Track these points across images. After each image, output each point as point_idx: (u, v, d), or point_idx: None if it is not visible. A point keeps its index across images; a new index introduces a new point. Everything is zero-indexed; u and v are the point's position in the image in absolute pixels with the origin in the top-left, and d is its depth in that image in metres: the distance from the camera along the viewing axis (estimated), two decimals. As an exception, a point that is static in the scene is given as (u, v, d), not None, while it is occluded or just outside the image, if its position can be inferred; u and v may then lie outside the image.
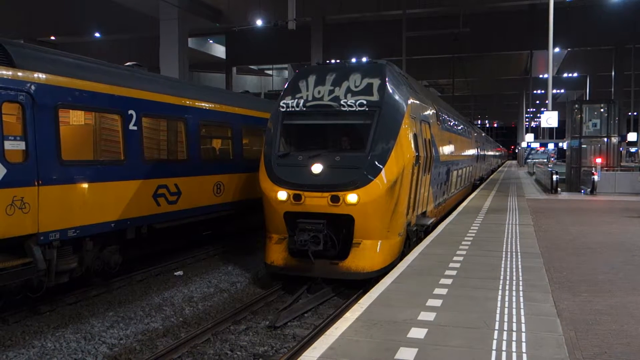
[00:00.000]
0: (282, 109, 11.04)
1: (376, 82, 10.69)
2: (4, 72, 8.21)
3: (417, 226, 12.26)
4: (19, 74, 8.43)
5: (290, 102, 10.99)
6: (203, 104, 13.38)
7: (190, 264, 13.18)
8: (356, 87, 10.70)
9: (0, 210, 7.99)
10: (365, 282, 10.02)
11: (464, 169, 22.46)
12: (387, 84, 10.70)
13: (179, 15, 31.48)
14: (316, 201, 9.96)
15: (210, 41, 52.52)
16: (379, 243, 10.18)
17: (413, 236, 11.90)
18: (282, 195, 10.15)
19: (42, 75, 8.82)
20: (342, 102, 10.61)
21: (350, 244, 10.16)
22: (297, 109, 10.91)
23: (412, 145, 10.92)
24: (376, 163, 10.01)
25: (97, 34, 41.57)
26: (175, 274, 12.19)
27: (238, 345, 8.01)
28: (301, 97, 10.97)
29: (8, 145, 8.20)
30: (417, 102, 12.42)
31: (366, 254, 10.04)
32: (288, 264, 10.41)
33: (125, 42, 46.30)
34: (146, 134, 11.27)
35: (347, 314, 6.76)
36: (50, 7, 39.24)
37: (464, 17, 36.88)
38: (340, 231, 10.27)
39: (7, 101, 8.24)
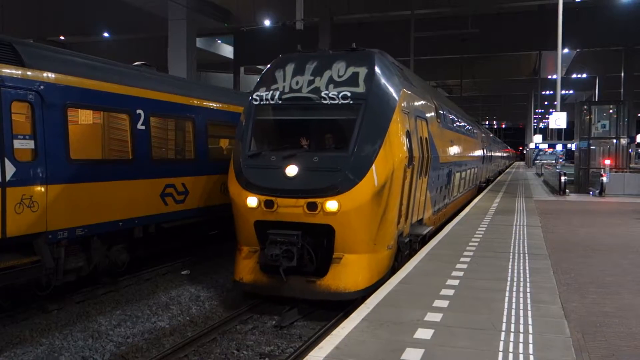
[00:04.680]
0: (254, 102, 9.78)
1: (363, 72, 9.41)
2: (14, 71, 8.26)
3: (412, 236, 10.95)
4: (29, 73, 8.48)
5: (264, 94, 9.70)
6: (211, 104, 13.41)
7: (197, 263, 13.21)
8: (340, 77, 9.44)
9: (9, 209, 8.04)
10: (348, 303, 8.93)
11: (468, 171, 21.20)
12: (376, 73, 9.43)
13: (188, 15, 31.54)
14: (290, 209, 8.72)
15: (219, 41, 52.59)
16: (363, 258, 8.86)
17: (405, 248, 10.46)
18: (252, 201, 8.93)
19: (51, 75, 8.87)
20: (322, 94, 9.32)
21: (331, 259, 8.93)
22: (272, 102, 9.62)
23: (405, 144, 9.73)
24: (360, 164, 8.74)
25: (105, 34, 41.72)
26: (182, 273, 12.23)
27: (244, 344, 8.02)
28: (277, 89, 9.66)
29: (17, 144, 8.25)
30: (413, 95, 11.12)
31: (348, 271, 8.74)
32: (258, 282, 9.15)
33: (133, 42, 46.43)
34: (154, 133, 11.31)
35: (353, 314, 6.76)
36: (60, 7, 39.41)
37: (473, 17, 36.76)
38: (320, 243, 9.01)
39: (17, 100, 8.29)
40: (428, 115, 12.50)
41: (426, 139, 11.80)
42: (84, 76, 9.55)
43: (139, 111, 10.80)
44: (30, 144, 8.48)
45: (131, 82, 10.72)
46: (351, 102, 9.18)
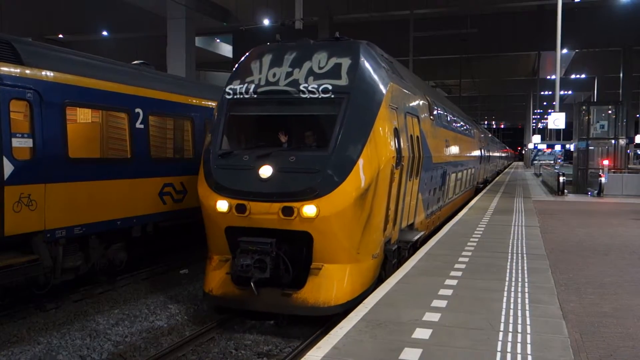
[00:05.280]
0: (227, 96, 9.02)
1: (346, 63, 8.62)
2: (12, 69, 8.25)
3: (401, 243, 10.15)
4: (27, 71, 8.47)
5: (237, 87, 8.91)
6: (210, 103, 13.39)
7: (195, 262, 13.19)
8: (320, 68, 8.63)
9: (8, 208, 8.03)
10: (327, 318, 8.16)
11: (465, 172, 20.39)
12: (361, 65, 8.66)
13: (187, 14, 31.52)
14: (264, 214, 7.97)
15: (218, 40, 52.57)
16: (345, 268, 8.12)
17: (393, 257, 9.65)
18: (222, 205, 8.19)
19: (49, 73, 8.86)
20: (301, 87, 8.53)
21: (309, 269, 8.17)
22: (246, 96, 8.83)
23: (392, 143, 8.97)
24: (342, 165, 7.99)
25: (104, 33, 41.71)
26: (180, 272, 12.21)
27: (242, 344, 8.01)
28: (252, 82, 8.87)
29: (15, 142, 8.24)
30: (402, 90, 10.27)
31: (328, 283, 7.98)
32: (229, 294, 8.34)
33: (132, 41, 46.40)
34: (153, 132, 11.30)
35: (352, 314, 6.76)
36: (59, 6, 39.40)
37: (472, 17, 36.80)
38: (298, 251, 8.26)
39: (15, 98, 8.28)
40: (420, 112, 11.73)
41: (417, 137, 11.04)
42: (82, 75, 9.54)
43: (137, 110, 10.78)
44: (28, 143, 8.47)
45: (130, 81, 10.71)
46: (332, 96, 8.43)
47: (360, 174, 8.03)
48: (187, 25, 31.94)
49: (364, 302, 7.32)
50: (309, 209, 7.80)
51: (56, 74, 8.98)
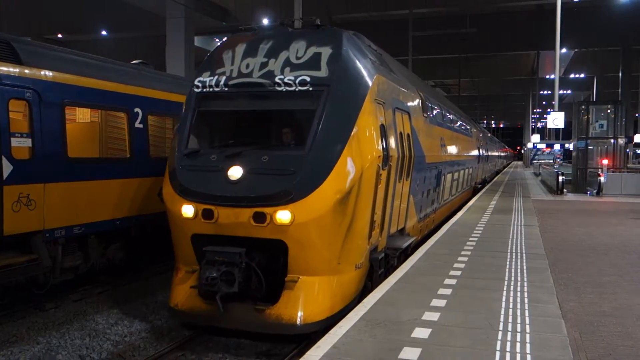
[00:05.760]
0: (196, 90, 8.26)
1: (326, 52, 7.83)
2: (11, 69, 8.24)
3: (389, 250, 9.38)
4: (26, 71, 8.47)
5: (207, 79, 8.15)
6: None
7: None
8: (298, 58, 7.86)
9: (7, 207, 8.03)
10: (305, 336, 7.48)
11: (462, 172, 19.70)
12: (343, 54, 7.86)
13: (186, 14, 31.51)
14: (233, 220, 7.20)
15: (217, 40, 52.53)
16: (324, 281, 7.35)
17: (380, 266, 8.86)
18: (188, 210, 7.42)
19: (48, 73, 8.85)
20: (276, 79, 7.76)
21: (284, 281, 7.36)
22: (216, 90, 8.08)
23: (378, 140, 8.14)
24: (320, 165, 7.22)
25: (104, 32, 41.73)
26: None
27: (242, 343, 8.01)
28: (223, 73, 8.10)
29: (15, 142, 8.23)
30: (391, 83, 9.44)
31: (305, 298, 7.19)
32: (195, 310, 7.51)
33: (131, 40, 46.40)
34: (152, 131, 11.30)
35: (351, 314, 6.75)
36: (58, 5, 39.40)
37: (471, 17, 36.82)
38: (274, 261, 7.47)
39: (14, 98, 8.27)
40: (412, 108, 10.89)
41: (408, 135, 10.23)
42: (81, 74, 9.54)
43: (136, 109, 10.78)
44: (27, 142, 8.46)
45: (129, 81, 10.71)
46: (311, 88, 7.65)
47: (341, 175, 7.26)
48: (186, 24, 31.92)
49: (363, 301, 7.30)
50: (282, 215, 7.04)
51: (55, 73, 8.97)
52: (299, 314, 7.13)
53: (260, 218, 7.10)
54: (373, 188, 7.98)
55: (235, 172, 7.30)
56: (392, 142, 8.90)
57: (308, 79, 7.68)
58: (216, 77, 8.13)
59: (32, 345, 7.85)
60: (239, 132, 8.50)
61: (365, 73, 8.14)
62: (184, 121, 8.19)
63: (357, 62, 8.11)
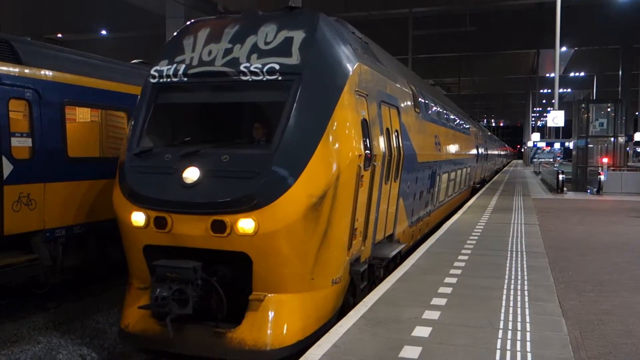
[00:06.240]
0: (152, 80, 7.34)
1: (299, 37, 6.89)
2: (11, 68, 8.25)
3: (375, 260, 8.42)
4: (26, 70, 8.47)
5: (165, 68, 7.21)
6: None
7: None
8: (267, 43, 6.93)
9: (7, 207, 8.03)
10: None
11: (459, 171, 18.73)
12: (317, 39, 6.93)
13: (186, 14, 31.52)
14: (189, 229, 6.33)
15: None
16: (295, 299, 6.45)
17: (362, 279, 7.77)
18: (138, 217, 6.55)
19: (48, 72, 8.85)
20: (242, 67, 6.83)
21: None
22: (174, 80, 7.16)
23: (359, 137, 7.19)
24: (288, 166, 6.32)
25: (103, 32, 41.71)
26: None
27: None
28: (182, 61, 7.17)
29: (15, 141, 8.24)
30: (375, 73, 8.44)
31: (273, 319, 6.30)
32: (148, 332, 6.56)
33: (131, 40, 46.36)
34: (152, 131, 11.28)
35: (351, 313, 6.75)
36: (57, 5, 39.38)
37: (471, 15, 36.81)
38: (238, 276, 6.59)
39: (14, 98, 8.28)
40: (401, 102, 9.93)
41: (397, 131, 9.34)
42: (81, 74, 9.54)
43: (136, 109, 10.76)
44: (27, 142, 8.47)
45: (129, 80, 10.70)
46: (280, 77, 6.73)
47: (314, 176, 6.37)
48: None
49: (363, 300, 7.28)
50: (245, 224, 6.15)
51: (55, 73, 8.98)
52: (265, 338, 6.20)
53: (219, 227, 6.20)
54: (353, 191, 7.06)
55: (191, 174, 6.37)
56: (377, 140, 8.01)
57: (277, 66, 6.74)
58: (174, 65, 7.19)
59: (33, 345, 7.86)
60: (199, 128, 7.71)
61: (344, 60, 7.19)
62: (137, 116, 7.27)
63: (335, 47, 7.16)
